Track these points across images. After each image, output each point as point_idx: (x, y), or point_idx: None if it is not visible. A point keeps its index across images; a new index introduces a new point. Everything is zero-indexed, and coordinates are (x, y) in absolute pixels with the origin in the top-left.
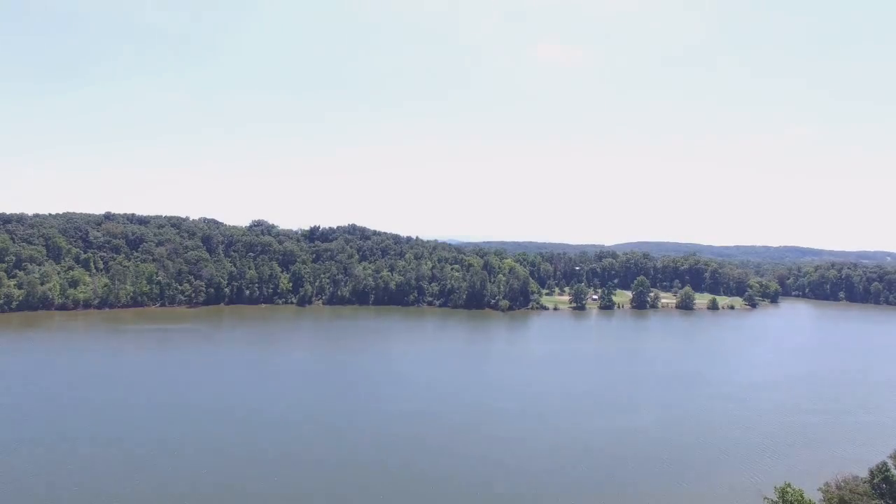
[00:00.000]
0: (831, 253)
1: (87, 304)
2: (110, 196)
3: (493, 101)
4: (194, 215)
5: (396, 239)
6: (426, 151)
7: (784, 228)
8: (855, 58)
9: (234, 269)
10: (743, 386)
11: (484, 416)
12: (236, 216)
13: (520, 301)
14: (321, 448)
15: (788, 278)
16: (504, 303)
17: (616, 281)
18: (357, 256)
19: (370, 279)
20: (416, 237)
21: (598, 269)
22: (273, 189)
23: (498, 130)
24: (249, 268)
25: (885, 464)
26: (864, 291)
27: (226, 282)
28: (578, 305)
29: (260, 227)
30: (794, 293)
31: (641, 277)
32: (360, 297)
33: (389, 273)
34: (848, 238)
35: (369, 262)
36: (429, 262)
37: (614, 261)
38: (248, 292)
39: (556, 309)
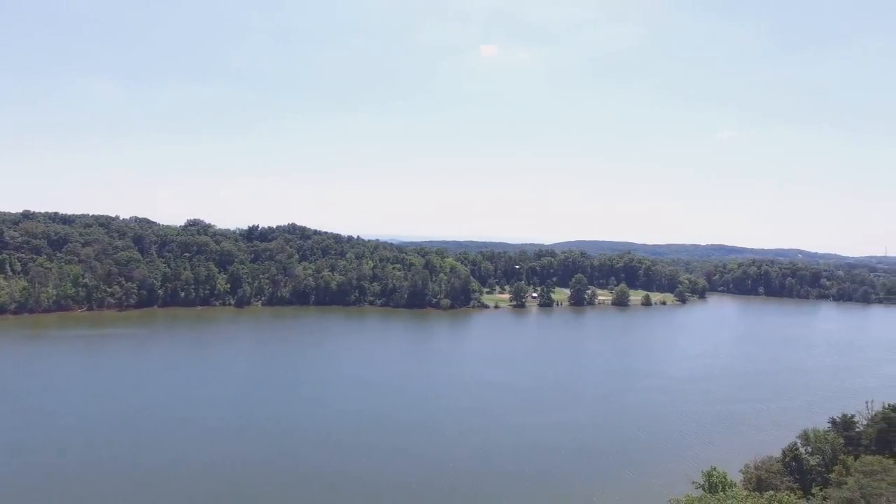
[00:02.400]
0: (752, 251)
1: (2, 310)
2: (29, 194)
3: (434, 101)
4: (125, 215)
5: (337, 238)
6: (367, 151)
7: (711, 228)
8: (781, 65)
9: (168, 269)
10: (674, 378)
11: (428, 414)
12: (171, 216)
13: (461, 300)
14: (263, 454)
15: (715, 275)
16: (446, 302)
17: (555, 279)
18: (297, 256)
19: (311, 279)
20: (357, 237)
21: (538, 268)
22: (210, 188)
23: (439, 130)
24: (185, 268)
25: (794, 444)
26: (779, 286)
27: (159, 283)
28: (518, 303)
29: (196, 227)
30: (719, 289)
31: (579, 275)
32: (301, 298)
33: (330, 273)
34: (766, 237)
35: (310, 262)
36: (370, 262)
37: (553, 259)
38: (183, 294)
39: (496, 307)
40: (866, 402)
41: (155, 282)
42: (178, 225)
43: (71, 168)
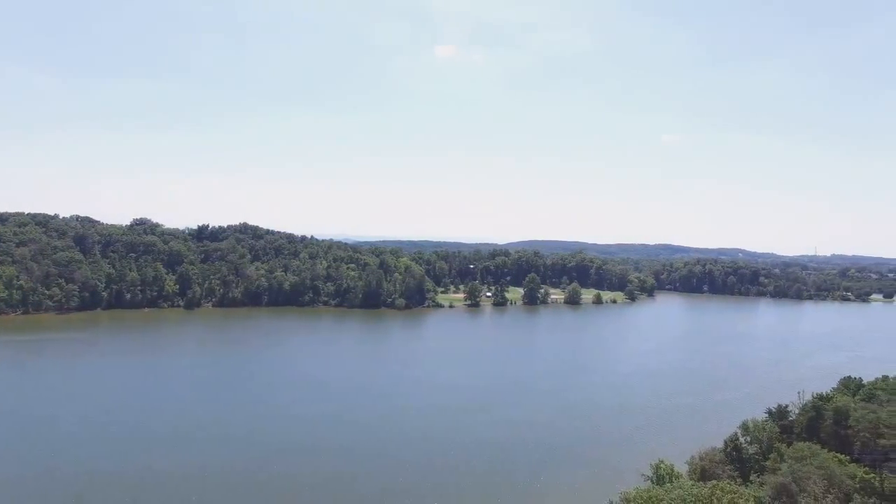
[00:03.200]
0: (697, 250)
1: None
2: None
3: (388, 100)
4: (66, 213)
5: (290, 238)
6: (321, 149)
7: (659, 228)
8: (723, 71)
9: (112, 270)
10: (625, 374)
11: (384, 414)
12: (116, 215)
13: (416, 299)
14: (216, 461)
15: (663, 274)
16: (400, 301)
17: (508, 278)
18: (249, 256)
19: (263, 280)
20: (311, 236)
21: (492, 267)
22: (158, 186)
23: (394, 129)
24: (130, 269)
25: (735, 434)
26: (722, 284)
27: (103, 285)
28: (473, 302)
29: (142, 226)
30: (667, 287)
31: (532, 275)
32: (253, 299)
33: (283, 273)
34: (710, 237)
35: (262, 263)
36: (324, 262)
37: (507, 259)
38: (129, 296)
39: (451, 306)
40: (798, 393)
41: (98, 283)
42: (124, 224)
43: (4, 164)
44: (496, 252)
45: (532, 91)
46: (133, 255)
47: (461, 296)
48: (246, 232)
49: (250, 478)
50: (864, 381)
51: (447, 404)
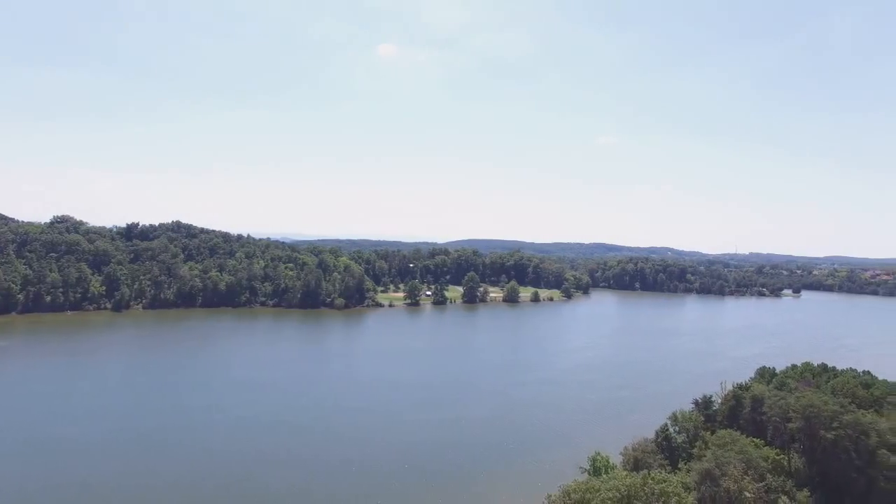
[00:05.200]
0: (629, 249)
1: None
2: None
3: (329, 98)
4: None
5: (226, 237)
6: (259, 146)
7: (594, 227)
8: (655, 77)
9: (29, 271)
10: (562, 369)
11: (325, 416)
12: (34, 212)
13: (356, 299)
14: (149, 470)
15: (597, 272)
16: (340, 301)
17: (448, 277)
18: (182, 256)
19: (197, 280)
20: (248, 235)
21: (432, 266)
22: (81, 182)
23: (334, 128)
24: (51, 270)
25: (665, 425)
26: (653, 281)
27: (18, 287)
28: (413, 301)
29: (64, 224)
30: (601, 284)
31: (472, 273)
32: (187, 300)
33: (219, 273)
34: (642, 236)
35: (196, 262)
36: (261, 262)
37: (446, 258)
38: (49, 298)
39: (391, 306)
40: (721, 384)
41: (13, 285)
42: (43, 222)
43: None
44: (436, 251)
45: (472, 92)
46: (54, 254)
47: (401, 295)
48: (179, 231)
49: (186, 486)
50: (777, 371)
51: (389, 404)
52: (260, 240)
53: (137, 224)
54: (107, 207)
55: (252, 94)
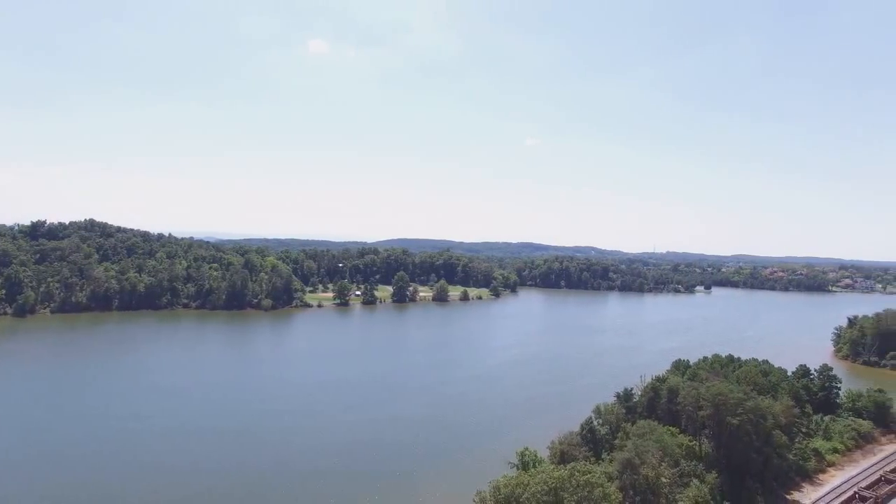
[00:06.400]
0: (555, 248)
1: None
2: None
3: (257, 93)
4: None
5: (145, 237)
6: (182, 142)
7: (521, 227)
8: (581, 81)
9: None
10: (491, 367)
11: (253, 420)
12: None
13: (283, 299)
14: (65, 484)
15: (524, 270)
16: (267, 302)
17: (378, 276)
18: (97, 256)
19: (114, 281)
20: (169, 234)
21: (361, 266)
22: None
23: (261, 124)
24: None
25: (590, 418)
26: (577, 280)
27: None
28: (342, 301)
29: None
30: (528, 283)
31: (401, 273)
32: (101, 303)
33: (137, 274)
34: (567, 236)
35: (112, 263)
36: (184, 262)
37: (376, 257)
38: None
39: (320, 306)
40: (641, 377)
41: None
42: None
43: None
44: (365, 251)
45: (403, 91)
46: None
47: (330, 295)
48: (93, 229)
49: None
50: (691, 363)
51: (319, 405)
52: (182, 239)
53: (44, 222)
54: (9, 204)
55: (175, 87)
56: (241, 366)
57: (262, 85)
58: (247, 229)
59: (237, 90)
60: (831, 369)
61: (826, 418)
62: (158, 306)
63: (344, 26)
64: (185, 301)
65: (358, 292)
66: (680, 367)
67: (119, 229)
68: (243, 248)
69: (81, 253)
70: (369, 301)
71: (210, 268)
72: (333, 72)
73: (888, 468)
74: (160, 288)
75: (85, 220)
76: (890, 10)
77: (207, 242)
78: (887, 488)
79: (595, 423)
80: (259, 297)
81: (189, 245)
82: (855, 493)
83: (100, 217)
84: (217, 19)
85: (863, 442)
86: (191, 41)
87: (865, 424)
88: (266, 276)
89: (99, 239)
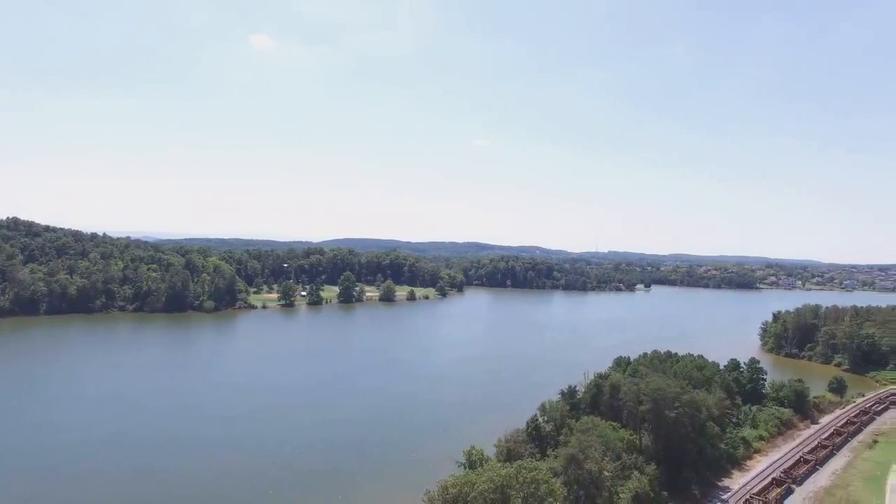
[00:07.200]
0: (501, 248)
1: None
2: None
3: (197, 89)
4: None
5: (77, 236)
6: (117, 136)
7: (468, 227)
8: (529, 84)
9: None
10: (438, 366)
11: (196, 427)
12: None
13: (226, 301)
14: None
15: (471, 270)
16: (209, 303)
17: (324, 277)
18: (21, 257)
19: (41, 284)
20: (104, 234)
21: (307, 266)
22: None
23: (202, 120)
24: None
25: (535, 416)
26: (523, 279)
27: None
28: (288, 302)
29: None
30: (475, 282)
31: (347, 273)
32: (27, 307)
33: (68, 276)
34: (513, 235)
35: (39, 264)
36: (120, 263)
37: (322, 257)
38: None
39: (264, 307)
40: (584, 373)
41: None
42: None
43: None
44: (311, 250)
45: (349, 90)
46: None
47: (275, 296)
48: (17, 228)
49: None
50: (632, 359)
51: (265, 408)
52: (118, 239)
53: None
54: None
55: (111, 80)
56: (183, 370)
57: (200, 79)
58: (188, 229)
59: (172, 84)
60: (758, 362)
61: (754, 408)
62: (92, 310)
63: (289, 22)
64: (122, 304)
65: (304, 293)
66: (621, 363)
67: (47, 228)
68: (184, 248)
69: (4, 253)
70: (315, 302)
71: (148, 269)
72: (278, 68)
73: (805, 450)
74: (94, 290)
75: (7, 218)
76: (814, 26)
77: (146, 242)
78: (804, 468)
79: (540, 420)
80: (201, 298)
81: (126, 245)
82: (773, 479)
83: (25, 215)
84: (148, 7)
85: (784, 428)
86: (125, 34)
87: (787, 412)
88: (208, 277)
89: (24, 239)
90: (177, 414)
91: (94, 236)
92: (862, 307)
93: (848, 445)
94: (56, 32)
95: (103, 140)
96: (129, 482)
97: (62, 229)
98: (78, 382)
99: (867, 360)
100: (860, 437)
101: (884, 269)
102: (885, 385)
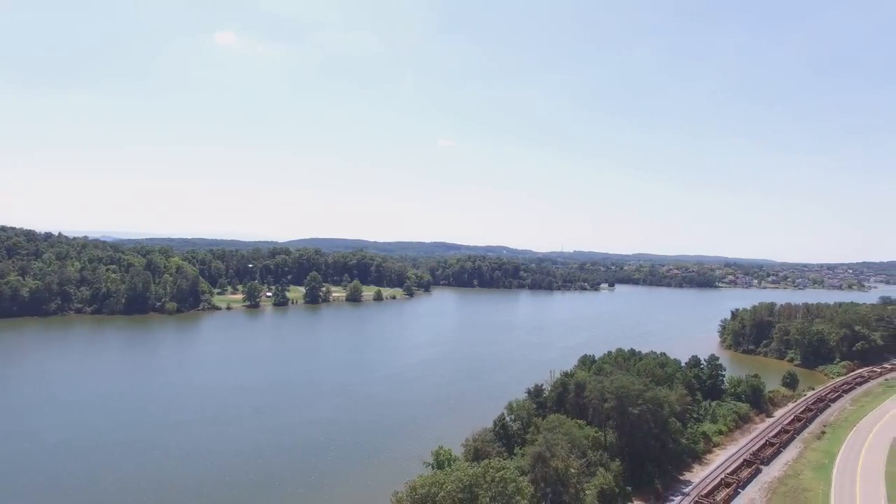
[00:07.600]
0: (468, 248)
1: None
2: None
3: (159, 85)
4: None
5: (30, 236)
6: (75, 133)
7: (434, 227)
8: (495, 86)
9: None
10: (406, 366)
11: (158, 431)
12: None
13: (189, 302)
14: None
15: (438, 270)
16: (172, 305)
17: (290, 277)
18: None
19: None
20: (59, 234)
21: (272, 266)
22: None
23: (164, 117)
24: None
25: (502, 414)
26: (490, 278)
27: None
28: (253, 303)
29: None
30: (442, 282)
31: (314, 273)
32: None
33: (20, 278)
34: (479, 235)
35: None
36: (77, 263)
37: (287, 257)
38: None
39: (229, 308)
40: (550, 372)
41: None
42: None
43: None
44: (276, 250)
45: (315, 89)
46: None
47: (240, 297)
48: None
49: None
50: (596, 357)
51: (229, 411)
52: (75, 239)
53: None
54: None
55: (69, 76)
56: (144, 374)
57: (162, 75)
58: (149, 229)
59: (134, 80)
60: (718, 359)
61: (713, 404)
62: (46, 312)
63: (254, 19)
64: (79, 306)
65: (269, 293)
66: (586, 362)
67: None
68: (145, 248)
69: None
70: (281, 302)
71: (107, 269)
72: (242, 66)
73: (757, 446)
74: (48, 292)
75: None
76: (772, 33)
77: (104, 242)
78: (770, 450)
79: (507, 418)
80: (163, 299)
81: (83, 245)
82: (744, 460)
83: None
84: (111, 2)
85: (741, 422)
86: (84, 28)
87: (744, 407)
88: (170, 278)
89: None
90: (135, 419)
91: (48, 236)
92: (813, 304)
93: (799, 437)
94: (15, 27)
95: (59, 137)
96: (86, 490)
97: (14, 228)
98: (29, 388)
99: (817, 354)
100: (810, 428)
101: (831, 267)
102: (833, 378)
